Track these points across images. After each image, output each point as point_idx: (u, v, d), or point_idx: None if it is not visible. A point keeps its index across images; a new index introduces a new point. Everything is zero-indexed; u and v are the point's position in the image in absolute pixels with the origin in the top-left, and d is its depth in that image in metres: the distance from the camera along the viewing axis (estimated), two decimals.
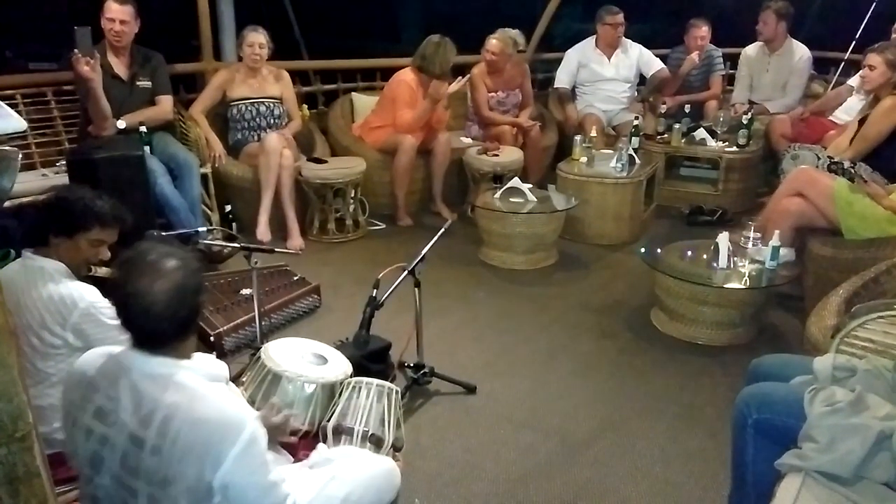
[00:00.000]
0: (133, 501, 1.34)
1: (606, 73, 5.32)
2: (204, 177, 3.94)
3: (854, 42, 5.69)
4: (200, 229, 3.38)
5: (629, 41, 5.35)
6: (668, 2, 8.61)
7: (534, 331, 3.24)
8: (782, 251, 3.07)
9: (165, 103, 3.91)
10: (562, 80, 5.43)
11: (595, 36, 5.32)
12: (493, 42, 4.94)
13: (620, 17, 5.19)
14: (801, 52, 5.15)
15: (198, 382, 1.37)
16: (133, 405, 1.33)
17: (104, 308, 1.86)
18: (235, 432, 1.30)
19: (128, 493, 1.34)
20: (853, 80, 4.61)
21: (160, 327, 1.34)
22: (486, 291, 3.66)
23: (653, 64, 5.35)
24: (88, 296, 1.86)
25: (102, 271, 2.04)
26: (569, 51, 5.44)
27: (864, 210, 3.08)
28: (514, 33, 5.07)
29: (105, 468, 1.35)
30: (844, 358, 1.75)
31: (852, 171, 3.25)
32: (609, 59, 5.31)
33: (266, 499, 1.36)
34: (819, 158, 3.62)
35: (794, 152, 4.04)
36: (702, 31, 5.37)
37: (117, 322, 1.63)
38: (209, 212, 4.00)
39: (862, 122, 3.52)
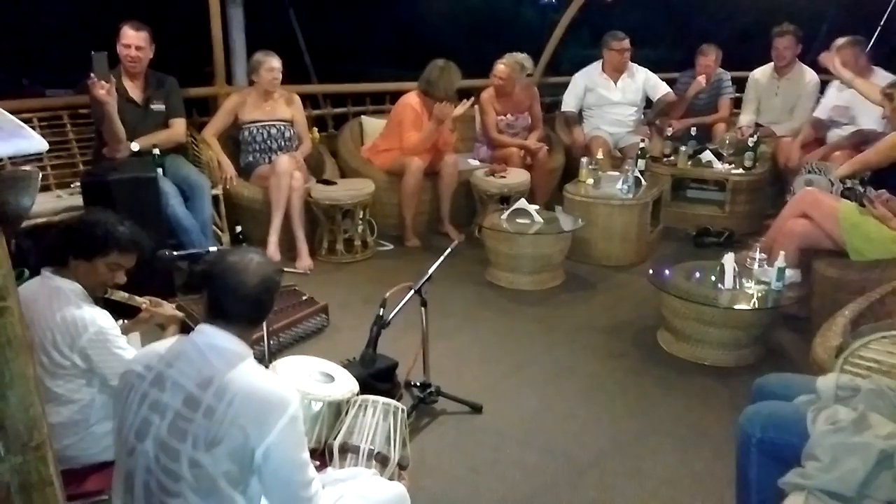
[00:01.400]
0: (174, 466, 1.40)
1: (613, 96, 5.37)
2: (215, 198, 4.00)
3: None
4: (211, 249, 3.42)
5: (636, 65, 5.41)
6: (677, 27, 8.73)
7: (540, 351, 3.25)
8: (788, 272, 3.07)
9: (179, 126, 3.99)
10: (569, 103, 5.50)
11: (602, 60, 5.39)
12: (500, 67, 5.02)
13: (626, 43, 5.26)
14: (809, 77, 5.18)
15: (257, 366, 1.51)
16: (196, 370, 1.44)
17: (114, 336, 1.89)
18: (284, 406, 1.42)
19: (171, 457, 1.40)
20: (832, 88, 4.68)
21: (244, 305, 1.50)
22: (493, 312, 3.68)
23: (659, 88, 5.41)
24: (100, 321, 1.88)
25: (118, 295, 2.09)
26: (576, 75, 5.51)
27: (870, 231, 3.09)
28: (522, 57, 5.15)
29: (151, 434, 1.43)
30: (848, 377, 1.76)
31: (860, 192, 3.25)
32: (616, 83, 5.37)
33: (299, 475, 1.45)
34: (833, 184, 3.61)
35: (807, 176, 4.03)
36: (710, 58, 5.43)
37: (123, 352, 1.71)
38: (220, 232, 4.06)
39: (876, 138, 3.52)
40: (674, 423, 2.68)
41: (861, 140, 4.27)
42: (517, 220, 4.04)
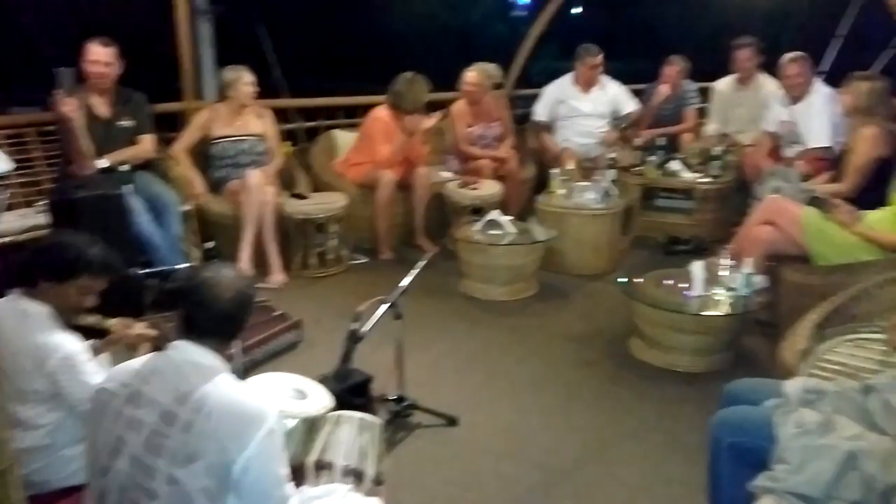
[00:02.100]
0: (150, 483, 1.38)
1: (584, 108, 5.44)
2: (186, 214, 3.96)
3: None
4: (181, 266, 3.39)
5: (607, 78, 5.48)
6: (646, 39, 8.90)
7: (515, 361, 3.26)
8: (755, 278, 3.13)
9: (147, 142, 3.95)
10: (539, 112, 5.54)
11: (574, 72, 5.45)
12: (470, 74, 5.07)
13: (599, 59, 5.31)
14: (771, 86, 5.31)
15: (234, 379, 1.52)
16: (172, 385, 1.43)
17: (81, 361, 1.85)
18: (262, 419, 1.42)
19: (145, 475, 1.39)
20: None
21: (219, 320, 1.51)
22: (467, 323, 3.68)
23: (626, 105, 5.49)
24: (68, 346, 1.85)
25: (88, 320, 2.05)
26: (548, 85, 5.57)
27: (833, 237, 3.16)
28: (492, 67, 5.20)
29: (125, 452, 1.41)
30: (814, 381, 1.80)
31: (825, 201, 3.33)
32: (586, 95, 5.44)
33: (277, 490, 1.46)
34: (801, 192, 3.68)
35: (774, 184, 4.11)
36: (676, 69, 5.54)
37: (91, 378, 1.69)
38: (191, 249, 4.01)
39: (845, 154, 3.62)
40: (647, 429, 2.71)
41: (817, 156, 4.34)
42: (490, 232, 4.07)
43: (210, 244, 4.15)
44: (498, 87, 5.44)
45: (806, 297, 2.90)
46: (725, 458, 1.73)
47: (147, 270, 3.05)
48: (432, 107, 5.85)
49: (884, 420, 1.55)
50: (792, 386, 1.75)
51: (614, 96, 5.47)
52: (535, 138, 5.71)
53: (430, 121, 4.59)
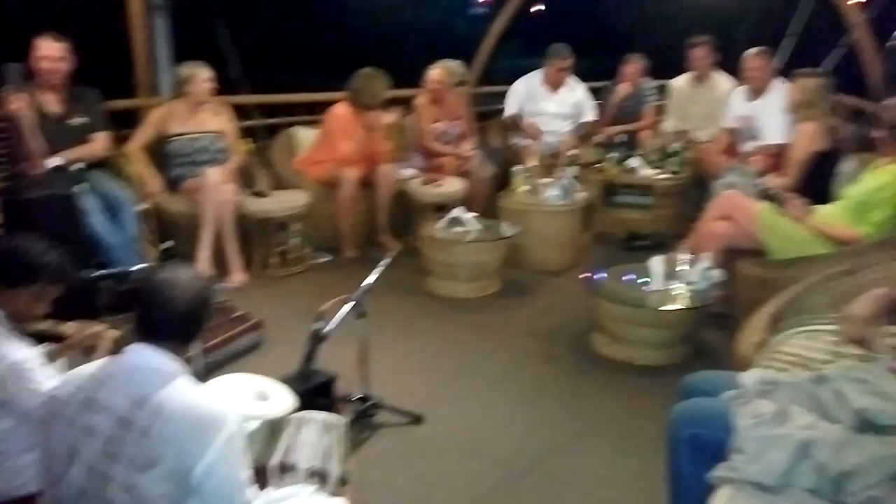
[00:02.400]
0: (106, 491, 1.35)
1: (549, 108, 5.46)
2: (141, 214, 3.87)
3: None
4: (137, 267, 3.31)
5: (575, 80, 5.52)
6: (606, 37, 9.01)
7: (479, 358, 3.28)
8: (712, 272, 3.20)
9: (101, 140, 3.84)
10: (511, 107, 5.53)
11: (543, 71, 5.47)
12: (434, 72, 5.08)
13: (567, 62, 5.35)
14: (726, 84, 5.43)
15: (193, 383, 1.48)
16: (128, 390, 1.39)
17: (30, 369, 1.80)
18: (222, 422, 1.40)
19: (101, 482, 1.35)
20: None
21: (177, 322, 1.48)
22: (432, 321, 3.68)
23: (587, 113, 5.56)
24: (18, 353, 1.79)
25: (42, 326, 2.00)
26: (517, 82, 5.56)
27: (786, 231, 3.25)
28: (455, 65, 5.21)
29: (81, 459, 1.37)
30: (769, 372, 1.84)
31: (778, 195, 3.42)
32: (553, 95, 5.47)
33: (239, 495, 1.43)
34: (754, 185, 3.78)
35: (729, 179, 4.21)
36: (634, 67, 5.62)
37: (40, 386, 1.64)
38: (147, 249, 3.92)
39: (786, 148, 3.72)
40: (609, 423, 2.75)
41: (773, 152, 4.47)
42: (454, 229, 4.07)
43: (167, 244, 4.06)
44: (461, 84, 5.44)
45: (761, 290, 2.98)
46: (685, 449, 1.76)
47: (101, 272, 2.97)
48: (395, 103, 5.84)
49: (835, 409, 1.60)
50: (748, 377, 1.79)
51: (579, 101, 5.53)
52: (501, 135, 5.73)
53: (390, 116, 4.57)
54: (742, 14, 7.51)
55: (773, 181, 3.65)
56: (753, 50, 4.65)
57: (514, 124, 5.56)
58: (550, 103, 5.47)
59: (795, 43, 6.46)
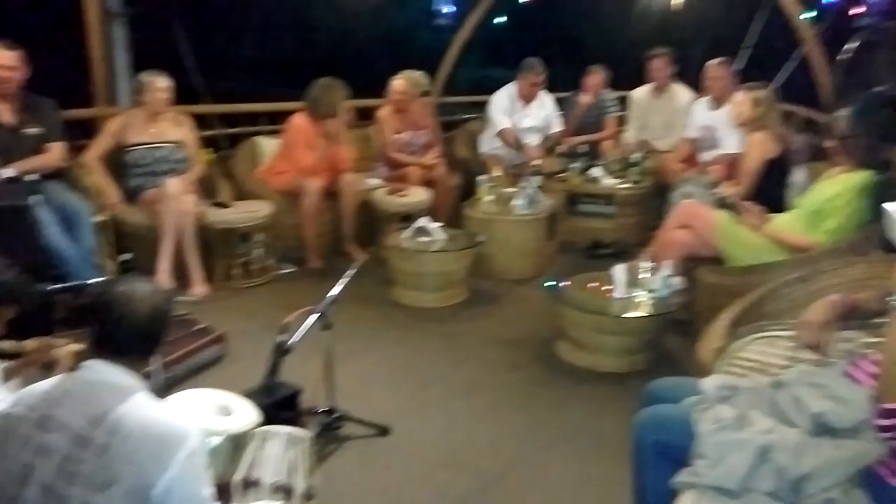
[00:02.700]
0: None
1: (525, 122, 5.50)
2: (99, 226, 3.78)
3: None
4: (94, 280, 3.23)
5: (545, 94, 5.58)
6: (567, 48, 9.15)
7: (446, 368, 3.27)
8: (673, 280, 3.26)
9: (56, 150, 3.75)
10: (504, 121, 5.44)
11: (516, 85, 5.48)
12: (397, 82, 5.08)
13: (541, 77, 5.40)
14: (685, 95, 5.56)
15: (151, 399, 1.46)
16: (85, 407, 1.36)
17: None
18: (183, 439, 1.38)
19: (58, 503, 1.31)
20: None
21: (134, 337, 1.46)
22: (398, 331, 3.67)
23: (554, 125, 5.63)
24: None
25: (3, 346, 1.94)
26: (495, 96, 5.54)
27: (744, 239, 3.33)
28: (419, 75, 5.23)
29: (35, 480, 1.33)
30: (729, 378, 1.88)
31: (734, 204, 3.51)
32: (526, 109, 5.52)
33: None
34: (708, 194, 3.87)
35: (685, 187, 4.32)
36: (597, 79, 5.72)
37: None
38: (105, 262, 3.83)
39: (739, 158, 3.82)
40: (575, 430, 2.77)
41: (731, 161, 4.59)
42: (419, 239, 4.07)
43: (126, 256, 3.98)
44: (425, 94, 5.46)
45: (720, 297, 3.04)
46: (649, 455, 1.78)
47: (58, 286, 2.89)
48: (360, 114, 5.84)
49: (793, 413, 1.63)
50: (708, 383, 1.83)
51: (548, 114, 5.60)
52: (470, 142, 5.74)
53: (337, 123, 4.53)
54: (699, 27, 7.70)
55: (729, 190, 3.74)
56: (715, 60, 4.78)
57: (514, 141, 5.44)
58: (525, 118, 5.52)
59: (750, 55, 6.65)
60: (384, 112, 5.15)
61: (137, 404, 1.39)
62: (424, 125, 5.28)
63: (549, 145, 5.60)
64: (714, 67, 4.76)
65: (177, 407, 1.97)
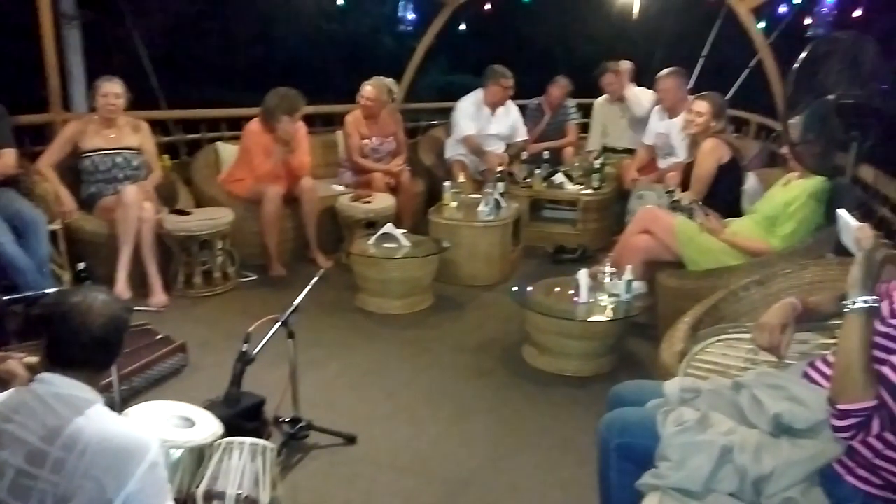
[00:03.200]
0: None
1: (490, 128, 5.55)
2: (53, 234, 3.68)
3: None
4: (50, 290, 3.13)
5: (511, 102, 5.64)
6: (528, 56, 9.24)
7: (412, 375, 3.26)
8: (635, 284, 3.31)
9: (7, 157, 3.64)
10: (468, 128, 5.49)
11: (484, 92, 5.51)
12: (367, 88, 5.07)
13: (512, 82, 5.46)
14: (646, 98, 5.67)
15: (108, 411, 1.43)
16: (39, 422, 1.32)
17: None
18: (143, 451, 1.35)
19: None
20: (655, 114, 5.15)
21: (89, 348, 1.42)
22: (364, 338, 3.65)
23: (519, 133, 5.70)
24: None
25: None
26: (461, 102, 5.57)
27: (703, 243, 3.40)
28: (389, 82, 5.23)
29: None
30: (690, 380, 1.91)
31: (690, 208, 3.59)
32: (493, 116, 5.56)
33: None
34: (661, 198, 3.97)
35: (639, 192, 4.45)
36: (561, 90, 5.81)
37: None
38: (60, 271, 3.72)
39: (690, 165, 3.91)
40: (541, 435, 2.78)
41: (684, 168, 4.70)
42: (384, 245, 4.05)
43: (82, 265, 3.87)
44: (393, 100, 5.46)
45: (681, 301, 3.11)
46: (614, 458, 1.80)
47: (11, 296, 2.80)
48: (325, 120, 5.82)
49: (752, 414, 1.67)
50: (670, 386, 1.86)
51: (515, 119, 5.65)
52: (435, 149, 5.76)
53: (290, 127, 4.49)
54: (658, 35, 7.86)
55: (686, 196, 3.82)
56: (665, 71, 4.89)
57: (476, 148, 5.52)
58: (491, 124, 5.56)
59: (709, 64, 6.81)
60: (352, 117, 5.13)
61: (94, 417, 1.36)
62: (392, 132, 5.27)
63: (514, 152, 5.64)
64: (664, 79, 4.87)
65: (135, 419, 1.92)
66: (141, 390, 2.94)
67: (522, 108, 5.94)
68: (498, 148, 5.59)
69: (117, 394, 2.51)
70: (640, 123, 5.56)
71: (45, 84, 4.23)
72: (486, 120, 5.55)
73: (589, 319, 3.22)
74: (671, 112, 4.88)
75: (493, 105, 5.54)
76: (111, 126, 4.06)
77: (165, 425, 1.95)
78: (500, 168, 4.94)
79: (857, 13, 4.75)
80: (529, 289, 3.49)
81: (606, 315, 3.23)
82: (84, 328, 1.40)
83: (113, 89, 3.97)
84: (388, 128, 5.24)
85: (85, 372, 1.42)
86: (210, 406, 2.38)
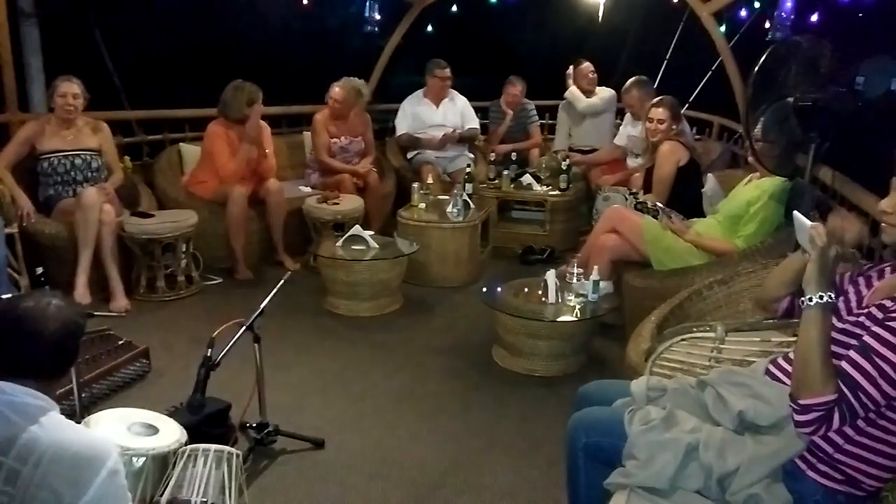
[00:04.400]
0: None
1: (436, 119, 5.62)
2: (10, 237, 3.57)
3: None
4: (5, 296, 3.04)
5: (455, 92, 5.72)
6: (493, 58, 9.28)
7: (381, 377, 3.24)
8: (602, 284, 3.34)
9: None
10: (401, 127, 5.65)
11: (425, 87, 5.63)
12: (336, 90, 5.05)
13: (448, 72, 5.55)
14: (605, 95, 5.76)
15: (64, 419, 1.37)
16: None
17: None
18: (101, 459, 1.31)
19: None
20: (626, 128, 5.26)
21: (43, 355, 1.37)
22: (332, 341, 3.62)
23: (470, 121, 5.77)
24: None
25: None
26: (403, 102, 5.71)
27: (668, 244, 3.45)
28: (359, 83, 5.20)
29: None
30: (656, 379, 1.93)
31: (655, 210, 3.63)
32: (438, 108, 5.62)
33: None
34: (626, 199, 4.02)
35: (605, 194, 4.51)
36: (516, 89, 5.86)
37: None
38: (17, 276, 3.61)
39: (650, 170, 3.97)
40: (511, 435, 2.79)
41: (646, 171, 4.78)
42: (353, 247, 4.03)
43: (40, 270, 3.77)
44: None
45: (647, 300, 3.15)
46: (582, 457, 1.81)
47: None
48: (292, 121, 5.76)
49: (717, 412, 1.69)
50: (637, 385, 1.87)
51: (462, 108, 5.73)
52: (397, 153, 5.78)
53: (257, 116, 4.44)
54: (622, 38, 7.96)
55: (650, 198, 3.88)
56: (630, 81, 5.00)
57: (410, 143, 5.62)
58: (436, 115, 5.63)
59: (672, 66, 6.92)
60: (321, 116, 5.09)
61: (49, 425, 1.32)
62: (360, 132, 5.25)
63: (467, 138, 5.73)
64: (628, 90, 5.03)
65: (93, 427, 1.87)
66: (102, 397, 2.87)
67: (484, 110, 6.00)
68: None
69: (77, 401, 2.45)
70: (595, 118, 5.68)
71: (1, 84, 4.10)
72: (429, 113, 5.63)
73: (557, 320, 3.24)
74: (637, 117, 4.97)
75: (436, 98, 5.61)
76: (70, 127, 3.97)
77: (128, 433, 1.90)
78: (468, 169, 4.96)
79: (815, 18, 4.88)
80: (499, 290, 3.50)
81: (574, 315, 3.26)
82: (37, 334, 1.36)
83: (71, 89, 3.87)
84: (356, 128, 5.22)
85: (40, 380, 1.37)
86: (173, 413, 2.34)
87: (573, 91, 5.75)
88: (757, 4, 5.73)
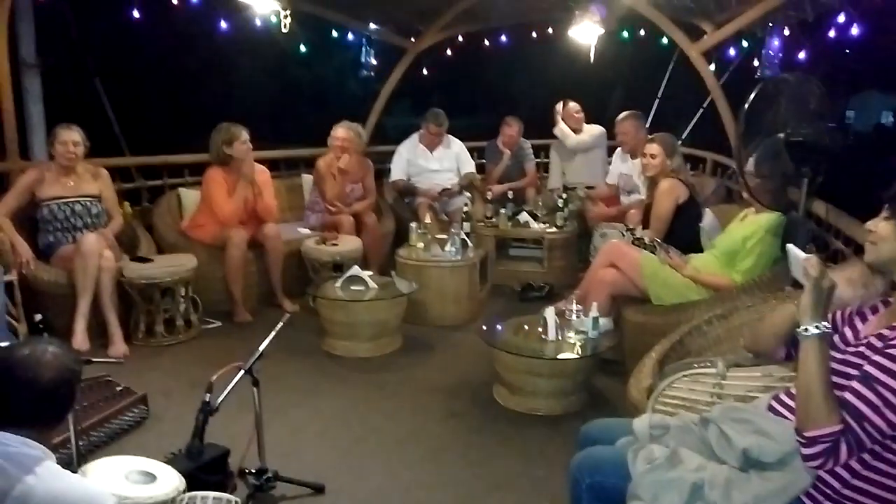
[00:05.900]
0: None
1: (431, 165, 5.74)
2: (9, 285, 3.56)
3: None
4: (2, 344, 3.02)
5: (451, 137, 5.83)
6: (486, 99, 9.45)
7: (382, 419, 3.21)
8: (601, 321, 3.33)
9: None
10: (396, 173, 5.74)
11: (420, 133, 5.74)
12: (340, 130, 5.11)
13: (442, 129, 5.67)
14: (594, 132, 5.84)
15: (60, 469, 1.36)
16: None
17: None
18: None
19: None
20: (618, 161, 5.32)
21: (39, 404, 1.36)
22: (332, 382, 3.59)
23: (466, 166, 5.85)
24: None
25: None
26: (399, 147, 5.80)
27: (667, 279, 3.45)
28: (358, 127, 5.27)
29: None
30: (659, 416, 1.92)
31: (653, 245, 3.64)
32: (433, 154, 5.74)
33: None
34: (623, 235, 4.04)
35: (602, 231, 4.54)
36: (513, 129, 5.94)
37: None
38: (15, 323, 3.60)
39: (649, 206, 3.99)
40: (514, 476, 2.75)
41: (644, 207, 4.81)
42: (352, 288, 4.03)
43: (39, 317, 3.75)
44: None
45: (647, 336, 3.13)
46: (586, 498, 1.78)
47: None
48: (289, 165, 5.83)
49: (721, 450, 1.68)
50: (639, 423, 1.86)
51: (458, 153, 5.82)
52: (398, 198, 5.83)
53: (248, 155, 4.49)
54: (614, 79, 8.12)
55: (647, 234, 3.90)
56: (623, 115, 5.06)
57: (407, 189, 5.70)
58: (432, 161, 5.73)
59: (665, 105, 7.04)
60: (323, 161, 5.13)
61: (45, 475, 1.30)
62: (360, 178, 5.28)
63: (466, 183, 5.80)
64: (622, 122, 5.07)
65: (90, 476, 1.85)
66: (100, 445, 2.84)
67: (480, 150, 6.08)
68: (448, 180, 5.72)
69: (75, 449, 2.42)
70: (585, 154, 5.77)
71: (2, 132, 4.16)
72: (424, 159, 5.74)
73: (558, 357, 3.22)
74: (632, 153, 5.01)
75: (430, 145, 5.73)
76: (70, 174, 4.00)
77: (125, 482, 1.88)
78: (465, 209, 4.99)
79: (802, 55, 4.98)
80: (498, 328, 3.49)
81: (575, 353, 3.24)
82: (32, 382, 1.36)
83: (71, 137, 3.92)
84: (356, 174, 5.25)
85: (35, 428, 1.36)
86: (171, 460, 2.30)
87: (562, 128, 5.85)
88: (745, 44, 5.85)
